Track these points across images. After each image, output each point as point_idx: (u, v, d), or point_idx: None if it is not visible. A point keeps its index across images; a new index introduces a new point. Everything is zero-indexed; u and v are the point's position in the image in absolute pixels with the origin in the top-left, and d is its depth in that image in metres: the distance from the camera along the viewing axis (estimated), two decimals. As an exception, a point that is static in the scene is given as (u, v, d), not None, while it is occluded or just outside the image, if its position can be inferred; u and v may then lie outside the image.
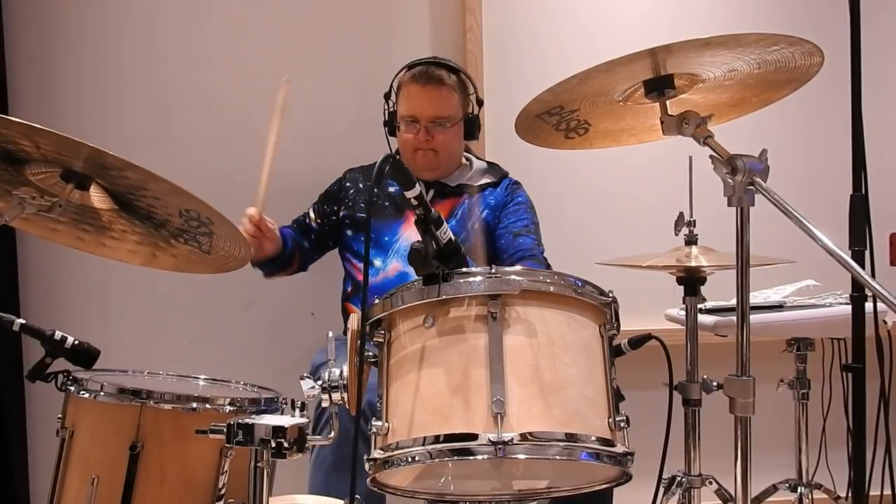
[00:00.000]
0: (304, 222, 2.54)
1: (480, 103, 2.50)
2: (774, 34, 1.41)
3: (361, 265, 2.41)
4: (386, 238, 2.37)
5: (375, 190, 2.41)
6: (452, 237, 1.43)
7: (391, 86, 2.45)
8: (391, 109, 2.45)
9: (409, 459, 1.31)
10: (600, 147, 1.80)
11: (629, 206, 2.88)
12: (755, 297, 2.28)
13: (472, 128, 2.46)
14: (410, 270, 2.25)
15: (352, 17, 2.80)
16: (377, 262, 2.35)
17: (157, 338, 2.72)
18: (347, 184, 2.52)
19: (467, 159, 2.54)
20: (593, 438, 1.32)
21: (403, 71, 2.42)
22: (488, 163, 2.57)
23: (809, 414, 2.31)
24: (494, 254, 2.43)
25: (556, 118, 1.64)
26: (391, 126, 2.46)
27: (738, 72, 1.53)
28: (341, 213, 2.48)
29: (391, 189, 2.41)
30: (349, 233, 2.47)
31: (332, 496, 1.80)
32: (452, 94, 2.39)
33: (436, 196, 2.42)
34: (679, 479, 2.01)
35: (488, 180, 2.49)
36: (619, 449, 1.34)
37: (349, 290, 2.47)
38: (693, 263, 1.90)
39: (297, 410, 1.44)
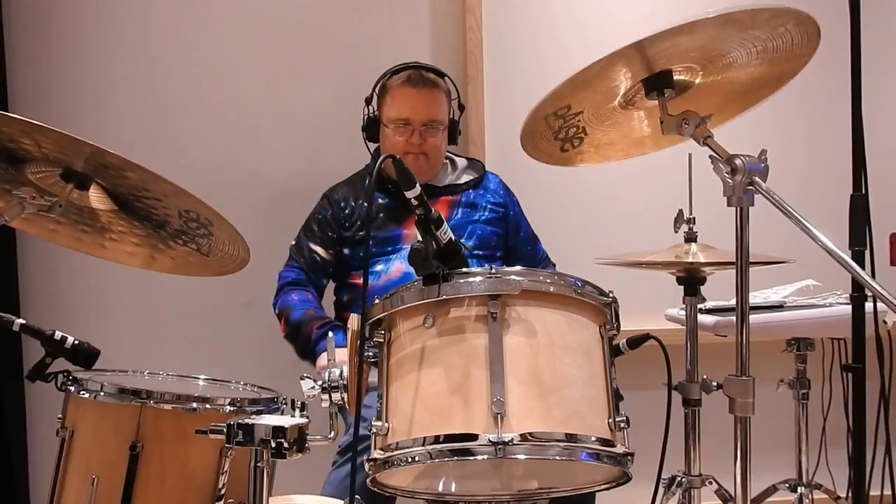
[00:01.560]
0: (317, 262, 2.39)
1: (462, 108, 2.52)
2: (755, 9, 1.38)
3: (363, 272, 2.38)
4: (388, 247, 2.33)
5: (370, 195, 2.40)
6: (452, 237, 1.43)
7: (374, 90, 2.43)
8: (371, 115, 2.43)
9: (409, 459, 1.31)
10: (591, 162, 1.79)
11: (629, 205, 2.88)
12: (755, 297, 2.28)
13: (454, 132, 2.47)
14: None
15: (351, 18, 2.80)
16: (379, 266, 2.31)
17: (157, 338, 2.72)
18: (342, 204, 2.42)
19: (448, 159, 2.53)
20: (593, 439, 1.32)
21: (389, 75, 2.39)
22: (468, 159, 2.58)
23: (809, 414, 2.31)
24: (510, 249, 2.48)
25: (561, 121, 1.62)
26: (371, 131, 2.43)
27: (737, 56, 1.50)
28: (345, 235, 2.40)
29: (381, 201, 2.37)
30: (346, 251, 2.39)
31: None
32: (443, 97, 2.39)
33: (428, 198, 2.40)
34: (679, 479, 2.01)
35: (474, 176, 2.49)
36: (619, 449, 1.35)
37: (346, 298, 2.42)
38: (692, 260, 1.90)
39: (297, 410, 1.45)
